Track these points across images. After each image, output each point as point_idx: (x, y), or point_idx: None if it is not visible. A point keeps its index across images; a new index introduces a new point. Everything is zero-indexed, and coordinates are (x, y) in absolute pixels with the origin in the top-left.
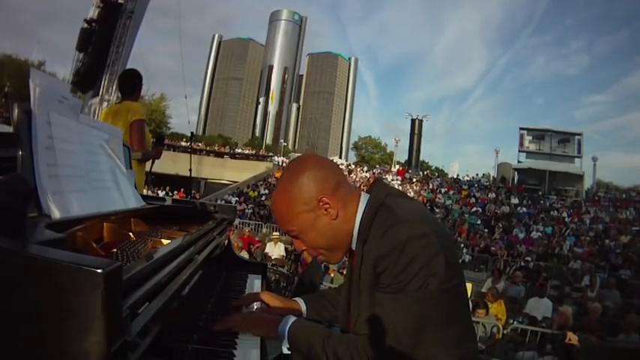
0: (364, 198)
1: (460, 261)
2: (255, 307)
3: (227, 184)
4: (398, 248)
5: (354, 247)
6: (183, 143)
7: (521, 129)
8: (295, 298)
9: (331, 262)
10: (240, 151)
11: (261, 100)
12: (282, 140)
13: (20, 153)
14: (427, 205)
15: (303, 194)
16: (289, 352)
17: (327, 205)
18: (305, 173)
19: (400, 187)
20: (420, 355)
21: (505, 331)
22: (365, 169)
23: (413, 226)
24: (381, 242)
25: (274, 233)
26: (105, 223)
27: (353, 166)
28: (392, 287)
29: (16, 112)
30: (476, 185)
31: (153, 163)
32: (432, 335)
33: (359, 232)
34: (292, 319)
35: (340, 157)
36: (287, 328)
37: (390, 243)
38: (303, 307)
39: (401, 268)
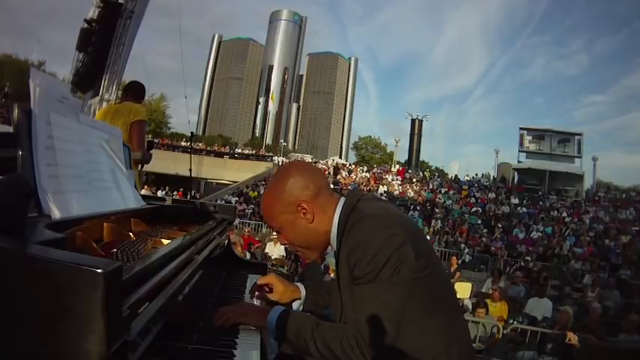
0: (341, 203)
1: (460, 261)
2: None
3: (227, 184)
4: (364, 240)
5: (335, 248)
6: (183, 143)
7: (521, 129)
8: (297, 283)
9: (308, 259)
10: (240, 151)
11: (261, 100)
12: (282, 140)
13: (20, 153)
14: (427, 205)
15: (284, 197)
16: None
17: (304, 210)
18: (289, 179)
19: (400, 187)
20: (405, 343)
21: (505, 331)
22: (365, 169)
23: (376, 219)
24: (349, 238)
25: (274, 233)
26: (105, 223)
27: (353, 166)
28: (365, 278)
29: (16, 112)
30: (476, 185)
31: (142, 166)
32: (414, 323)
33: (337, 236)
34: (281, 308)
35: (340, 157)
36: (276, 317)
37: (357, 237)
38: (303, 293)
39: (369, 258)
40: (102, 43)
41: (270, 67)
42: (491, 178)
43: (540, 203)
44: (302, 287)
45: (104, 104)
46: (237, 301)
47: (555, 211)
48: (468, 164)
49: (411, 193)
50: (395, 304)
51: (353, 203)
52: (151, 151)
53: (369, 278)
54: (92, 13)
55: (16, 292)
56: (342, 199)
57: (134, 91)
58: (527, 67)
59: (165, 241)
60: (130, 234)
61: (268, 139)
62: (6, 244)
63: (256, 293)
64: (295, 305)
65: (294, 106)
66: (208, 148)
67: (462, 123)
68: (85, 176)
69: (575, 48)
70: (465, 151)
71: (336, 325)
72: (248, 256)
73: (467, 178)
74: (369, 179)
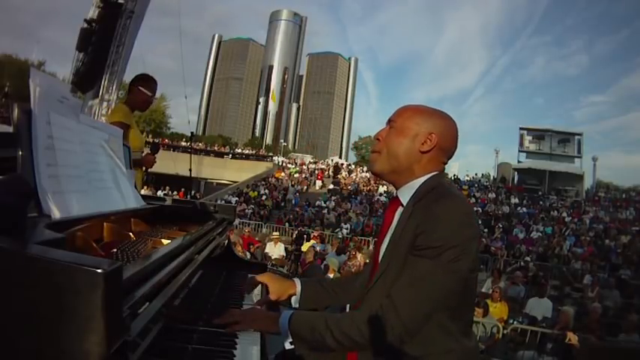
0: (435, 172)
1: None
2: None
3: (227, 184)
4: (445, 216)
5: (403, 200)
6: (183, 143)
7: (521, 129)
8: (294, 279)
9: (374, 167)
10: (240, 151)
11: (261, 100)
12: (282, 140)
13: (20, 153)
14: None
15: (430, 120)
16: (291, 347)
17: (429, 141)
18: (446, 121)
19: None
20: (425, 334)
21: (505, 331)
22: (365, 169)
23: (464, 204)
24: (432, 206)
25: (274, 233)
26: (105, 223)
27: (353, 166)
28: (427, 251)
29: (16, 112)
30: (476, 185)
31: (146, 169)
32: (444, 317)
33: (417, 190)
34: (290, 312)
35: (340, 157)
36: (287, 319)
37: (439, 210)
38: (298, 288)
39: (441, 235)
40: (102, 43)
41: (270, 67)
42: (491, 178)
43: (540, 203)
44: (298, 282)
45: (104, 104)
46: (237, 301)
47: (555, 211)
48: (468, 164)
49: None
50: (442, 289)
51: (444, 180)
52: (155, 155)
53: (431, 254)
54: (92, 13)
55: (16, 292)
56: (438, 172)
57: (130, 83)
58: (527, 68)
59: (165, 241)
60: (130, 234)
61: (268, 139)
62: (6, 244)
63: (253, 293)
64: (292, 300)
65: (294, 106)
66: (208, 148)
67: (462, 123)
68: (85, 176)
69: (575, 48)
70: (465, 151)
71: (350, 313)
72: (248, 255)
73: (467, 178)
74: (369, 179)
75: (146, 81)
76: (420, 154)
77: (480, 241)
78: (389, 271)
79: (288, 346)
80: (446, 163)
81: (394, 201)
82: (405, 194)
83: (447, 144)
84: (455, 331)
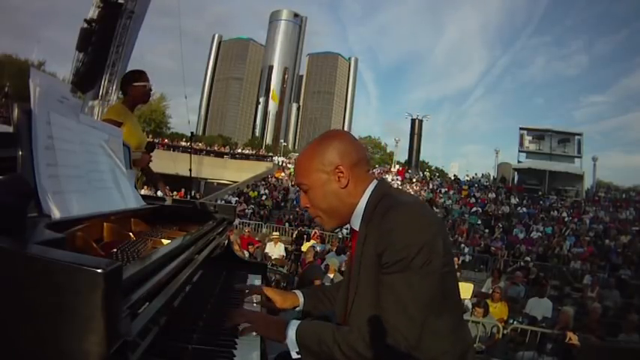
0: (374, 184)
1: (460, 261)
2: (255, 300)
3: (227, 184)
4: (399, 226)
5: (356, 227)
6: (183, 143)
7: (521, 129)
8: (294, 291)
9: (325, 227)
10: (240, 151)
11: (261, 100)
12: (282, 140)
13: (20, 153)
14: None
15: (325, 156)
16: (298, 357)
17: (341, 174)
18: (335, 141)
19: (400, 187)
20: (421, 342)
21: (505, 331)
22: None
23: (412, 208)
24: (383, 222)
25: (274, 233)
26: (105, 223)
27: None
28: (397, 265)
29: (16, 112)
30: (476, 185)
31: (142, 168)
32: (432, 320)
33: (364, 212)
34: (297, 322)
35: None
36: (295, 330)
37: (391, 222)
38: (301, 300)
39: (403, 245)
40: (102, 43)
41: (270, 67)
42: (491, 178)
43: (540, 203)
44: (300, 295)
45: (104, 104)
46: (237, 301)
47: (555, 211)
48: (468, 164)
49: (411, 193)
50: (426, 295)
51: (385, 189)
52: (151, 154)
53: (401, 266)
54: (92, 13)
55: (16, 292)
56: (375, 181)
57: (123, 88)
58: (527, 68)
59: (165, 241)
60: (130, 234)
61: (268, 139)
62: (6, 244)
63: (251, 298)
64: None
65: (294, 106)
66: (208, 148)
67: (462, 123)
68: (85, 176)
69: (575, 48)
70: (465, 151)
71: (357, 326)
72: (246, 255)
73: (467, 178)
74: None
75: (135, 74)
76: (344, 189)
77: (445, 232)
78: (360, 291)
79: (295, 355)
80: (370, 169)
81: (353, 232)
82: (356, 222)
83: (355, 158)
84: (447, 329)
